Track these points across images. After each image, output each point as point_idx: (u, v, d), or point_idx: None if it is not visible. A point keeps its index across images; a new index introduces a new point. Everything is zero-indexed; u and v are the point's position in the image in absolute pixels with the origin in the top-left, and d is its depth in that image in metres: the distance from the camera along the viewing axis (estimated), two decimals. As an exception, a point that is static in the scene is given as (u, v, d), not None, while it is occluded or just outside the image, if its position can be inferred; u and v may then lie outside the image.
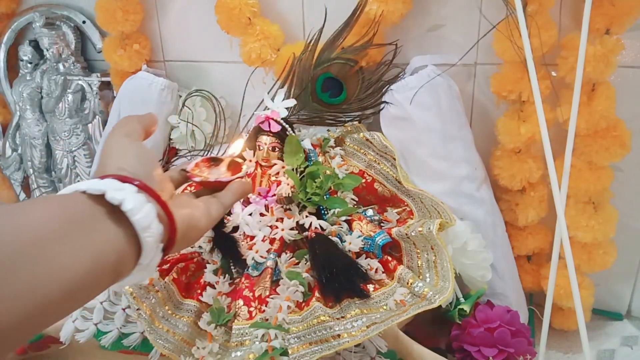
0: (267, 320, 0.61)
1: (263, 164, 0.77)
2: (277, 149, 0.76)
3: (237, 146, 0.53)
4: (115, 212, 0.32)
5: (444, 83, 0.78)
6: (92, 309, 0.69)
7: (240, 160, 0.48)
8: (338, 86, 0.83)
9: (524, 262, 0.86)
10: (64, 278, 0.29)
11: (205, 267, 0.70)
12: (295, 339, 0.59)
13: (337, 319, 0.61)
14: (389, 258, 0.69)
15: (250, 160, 0.78)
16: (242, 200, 0.75)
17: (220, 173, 0.47)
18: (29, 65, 1.06)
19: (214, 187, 0.46)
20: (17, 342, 0.28)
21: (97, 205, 0.32)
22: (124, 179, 0.34)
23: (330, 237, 0.70)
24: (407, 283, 0.64)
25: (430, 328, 0.73)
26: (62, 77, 1.02)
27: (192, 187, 0.47)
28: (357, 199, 0.77)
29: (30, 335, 0.28)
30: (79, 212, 0.31)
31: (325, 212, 0.73)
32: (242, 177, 0.47)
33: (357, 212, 0.74)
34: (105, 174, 0.35)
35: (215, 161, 0.49)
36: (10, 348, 0.27)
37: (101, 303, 0.69)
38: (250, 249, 0.70)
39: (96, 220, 0.32)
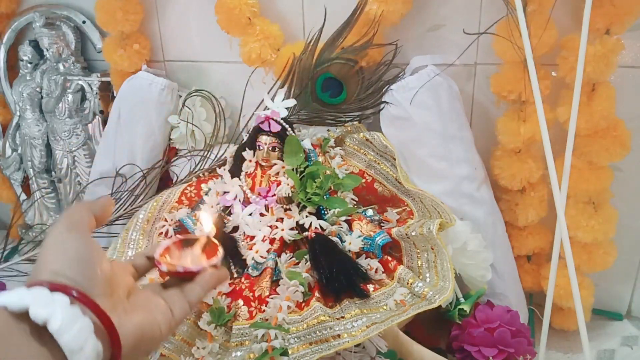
0: (267, 320, 0.61)
1: (263, 164, 0.77)
2: (277, 149, 0.76)
3: (206, 222, 0.46)
4: (43, 331, 0.28)
5: (444, 83, 0.78)
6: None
7: (216, 241, 0.43)
8: (338, 86, 0.83)
9: (524, 262, 0.86)
10: None
11: (205, 267, 0.70)
12: (295, 339, 0.59)
13: (337, 319, 0.61)
14: (389, 258, 0.69)
15: (250, 161, 0.78)
16: (242, 200, 0.75)
17: (194, 257, 0.42)
18: (29, 65, 1.06)
19: (186, 277, 0.41)
20: None
21: (20, 323, 0.28)
22: (55, 288, 0.30)
23: (330, 237, 0.70)
24: (407, 283, 0.64)
25: (430, 328, 0.73)
26: (62, 77, 1.02)
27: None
28: (357, 199, 0.77)
29: None
30: None
31: (325, 212, 0.73)
32: (216, 265, 0.41)
33: (357, 212, 0.74)
34: (37, 279, 0.31)
35: (188, 243, 0.43)
36: None
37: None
38: (250, 249, 0.70)
39: (14, 344, 0.27)
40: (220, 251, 0.43)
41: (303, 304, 0.63)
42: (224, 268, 0.43)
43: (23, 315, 0.28)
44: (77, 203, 0.37)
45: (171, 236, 0.71)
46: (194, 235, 0.45)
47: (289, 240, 0.71)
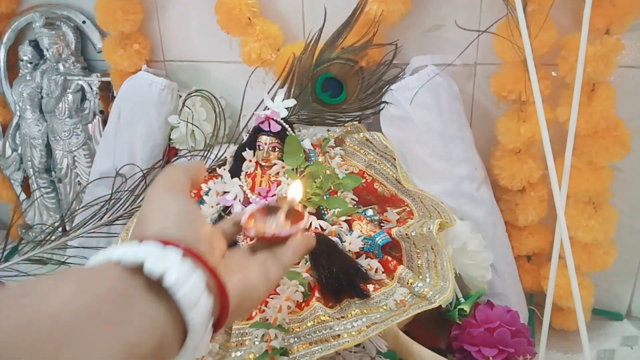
0: (267, 320, 0.61)
1: (263, 164, 0.77)
2: (277, 149, 0.76)
3: (296, 189, 0.46)
4: (156, 285, 0.27)
5: (444, 83, 0.78)
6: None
7: (301, 209, 0.44)
8: (338, 86, 0.83)
9: (524, 262, 0.86)
10: None
11: (205, 267, 0.70)
12: (295, 339, 0.59)
13: (337, 319, 0.61)
14: (389, 258, 0.69)
15: (250, 161, 0.78)
16: (242, 200, 0.75)
17: (279, 224, 0.42)
18: (29, 65, 1.06)
19: (272, 242, 0.41)
20: None
21: (133, 278, 0.27)
22: (166, 242, 0.29)
23: (330, 237, 0.70)
24: (407, 283, 0.64)
25: (430, 328, 0.73)
26: (62, 77, 1.02)
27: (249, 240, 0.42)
28: (357, 199, 0.77)
29: None
30: (108, 292, 0.26)
31: (325, 212, 0.73)
32: (303, 230, 0.42)
33: (357, 212, 0.74)
34: (144, 236, 0.30)
35: (272, 210, 0.44)
36: None
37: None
38: (250, 249, 0.70)
39: (131, 300, 0.26)
40: (307, 217, 0.43)
41: (303, 304, 0.63)
42: (311, 234, 0.43)
43: (136, 270, 0.27)
44: (172, 165, 0.37)
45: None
46: (278, 203, 0.46)
47: (289, 240, 0.70)
